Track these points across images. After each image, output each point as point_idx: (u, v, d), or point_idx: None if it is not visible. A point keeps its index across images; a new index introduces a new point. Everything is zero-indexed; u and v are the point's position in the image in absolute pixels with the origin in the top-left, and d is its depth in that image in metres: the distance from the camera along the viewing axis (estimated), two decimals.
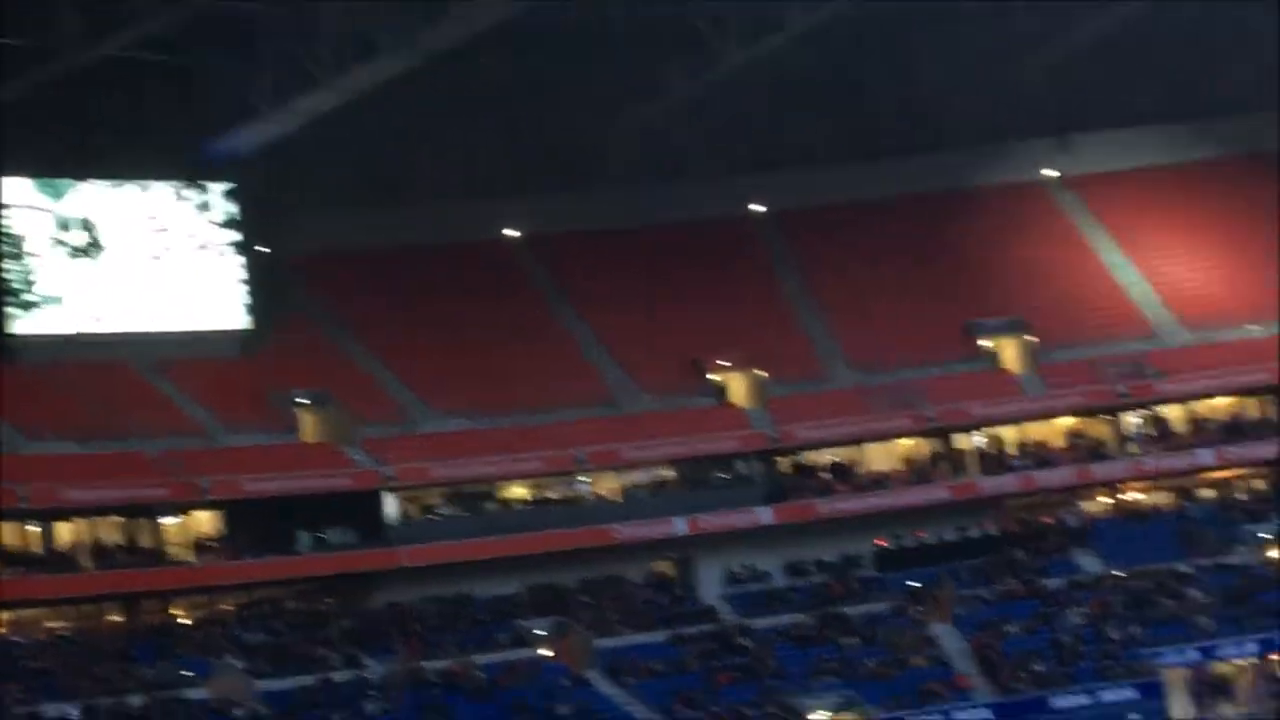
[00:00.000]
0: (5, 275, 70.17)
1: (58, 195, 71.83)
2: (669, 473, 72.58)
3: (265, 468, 68.05)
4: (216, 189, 74.15)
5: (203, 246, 74.00)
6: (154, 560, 65.73)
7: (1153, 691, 63.92)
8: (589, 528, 69.76)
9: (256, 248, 75.03)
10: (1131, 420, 74.83)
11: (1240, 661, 65.91)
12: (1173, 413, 74.97)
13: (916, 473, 73.45)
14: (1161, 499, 74.62)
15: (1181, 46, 79.98)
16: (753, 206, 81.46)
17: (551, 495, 71.58)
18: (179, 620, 66.15)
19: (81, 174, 71.95)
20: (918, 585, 69.56)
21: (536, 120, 79.06)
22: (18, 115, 66.39)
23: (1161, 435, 74.65)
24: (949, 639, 67.38)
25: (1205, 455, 73.65)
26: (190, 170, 73.00)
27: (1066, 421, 74.88)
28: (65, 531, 64.96)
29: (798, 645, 66.98)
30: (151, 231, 73.28)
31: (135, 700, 60.04)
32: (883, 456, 74.00)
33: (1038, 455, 73.83)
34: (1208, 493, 74.51)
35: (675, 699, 63.49)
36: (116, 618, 65.67)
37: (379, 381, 74.57)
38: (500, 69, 75.58)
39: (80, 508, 64.85)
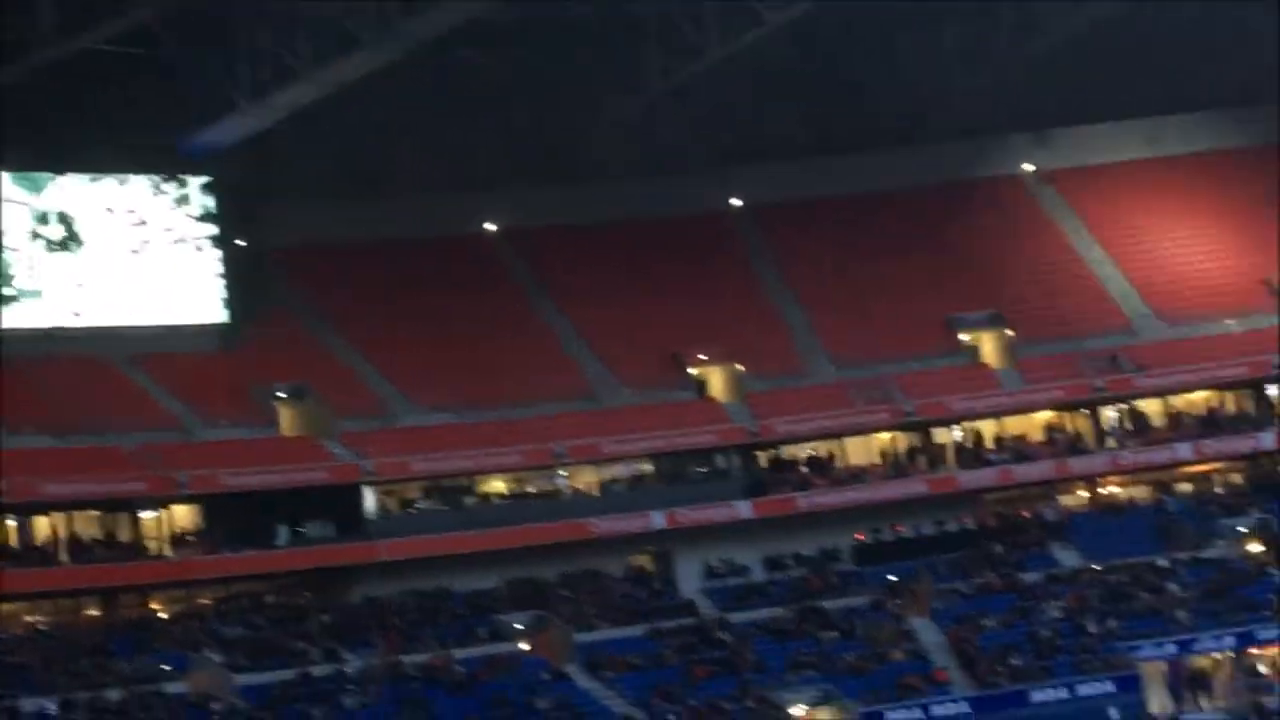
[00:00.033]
0: None
1: (36, 189, 71.74)
2: (648, 467, 72.63)
3: (244, 462, 67.97)
4: (195, 183, 74.14)
5: (181, 240, 73.96)
6: (132, 554, 65.65)
7: (1130, 685, 64.12)
8: (568, 522, 69.79)
9: (235, 241, 74.98)
10: (1109, 414, 74.98)
11: (1218, 655, 66.24)
12: (1150, 407, 75.13)
13: (894, 467, 73.55)
14: (1139, 493, 74.77)
15: (1157, 42, 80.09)
16: (732, 200, 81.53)
17: (530, 489, 71.60)
18: (157, 614, 66.08)
19: (60, 168, 71.89)
20: (896, 579, 69.64)
21: (517, 114, 79.02)
22: None
23: (1139, 429, 74.79)
24: (927, 633, 67.45)
25: (1183, 449, 73.80)
26: (169, 164, 72.90)
27: (1045, 415, 75.02)
28: (43, 526, 64.85)
29: (776, 639, 67.02)
30: (130, 225, 73.25)
31: (113, 694, 59.91)
32: (861, 451, 74.07)
33: (1016, 449, 73.94)
34: (1185, 487, 74.68)
35: (654, 693, 63.49)
36: (94, 612, 65.60)
37: (359, 375, 74.52)
38: (480, 63, 75.58)
39: (58, 502, 64.77)
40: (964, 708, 63.51)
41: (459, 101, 77.22)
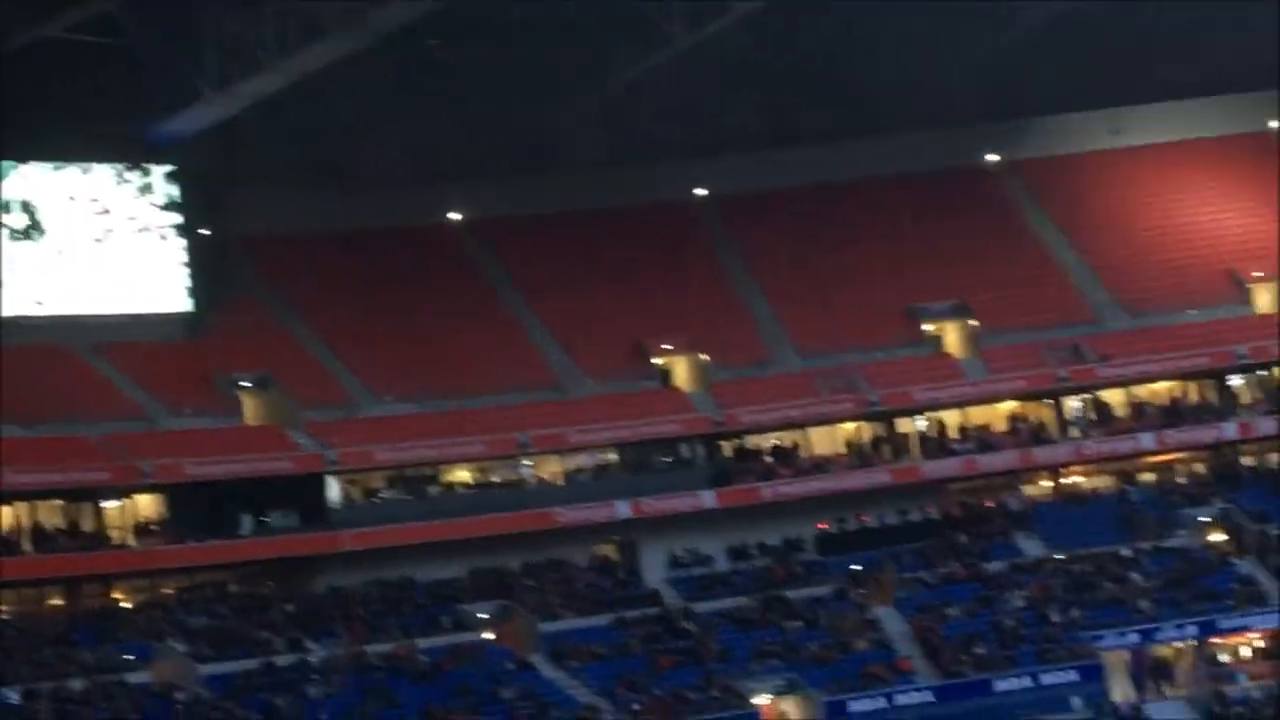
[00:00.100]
0: None
1: None
2: (613, 456, 72.63)
3: (208, 451, 67.84)
4: (159, 171, 73.91)
5: (145, 229, 73.75)
6: (95, 544, 65.51)
7: (1094, 674, 64.39)
8: (532, 511, 69.76)
9: (199, 230, 74.79)
10: (1072, 404, 75.18)
11: (1180, 644, 66.50)
12: (1113, 397, 75.36)
13: (859, 457, 73.67)
14: (1102, 483, 74.99)
15: (1122, 34, 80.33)
16: (697, 191, 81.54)
17: (495, 479, 71.56)
18: (120, 604, 65.87)
19: (22, 156, 71.57)
20: (860, 569, 69.74)
21: (483, 105, 78.90)
22: None
23: (1102, 419, 75.01)
24: (891, 622, 67.59)
25: (1146, 439, 73.99)
26: (133, 152, 72.67)
27: (1008, 405, 75.17)
28: (6, 515, 64.60)
29: (740, 628, 67.11)
30: (93, 214, 73.00)
31: (76, 684, 59.79)
32: (826, 440, 74.20)
33: (979, 439, 74.11)
34: (1148, 476, 74.93)
35: (618, 682, 63.53)
36: (57, 601, 65.38)
37: (323, 364, 74.40)
38: (446, 53, 75.48)
39: (21, 491, 64.43)
40: (928, 697, 63.70)
41: (425, 91, 77.15)
